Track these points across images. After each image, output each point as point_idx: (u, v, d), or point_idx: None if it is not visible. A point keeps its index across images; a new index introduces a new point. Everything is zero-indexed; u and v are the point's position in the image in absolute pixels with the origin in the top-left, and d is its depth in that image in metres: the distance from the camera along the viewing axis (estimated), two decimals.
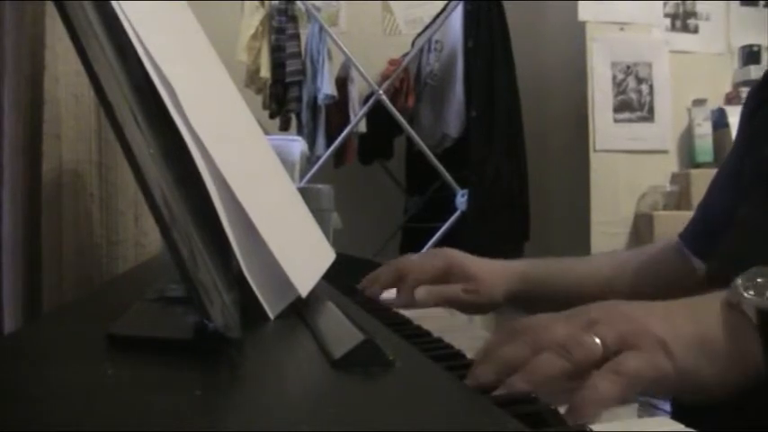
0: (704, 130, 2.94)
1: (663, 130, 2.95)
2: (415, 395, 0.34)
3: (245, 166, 0.53)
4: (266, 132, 2.28)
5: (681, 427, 0.35)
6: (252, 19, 2.92)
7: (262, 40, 2.93)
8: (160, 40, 0.43)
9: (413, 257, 0.83)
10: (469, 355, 0.48)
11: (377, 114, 2.93)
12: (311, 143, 2.95)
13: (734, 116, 2.78)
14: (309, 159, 2.86)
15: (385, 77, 3.02)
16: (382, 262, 0.85)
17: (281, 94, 3.00)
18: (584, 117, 2.90)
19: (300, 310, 0.49)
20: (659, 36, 2.97)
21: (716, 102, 2.99)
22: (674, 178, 2.91)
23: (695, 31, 3.02)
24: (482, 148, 2.80)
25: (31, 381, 0.32)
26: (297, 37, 2.99)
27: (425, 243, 2.74)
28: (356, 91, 3.09)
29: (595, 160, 2.88)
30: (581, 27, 2.89)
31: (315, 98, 2.96)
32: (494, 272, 0.81)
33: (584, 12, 2.88)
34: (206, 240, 0.40)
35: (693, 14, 3.02)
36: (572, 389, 0.39)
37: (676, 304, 0.47)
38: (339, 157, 3.11)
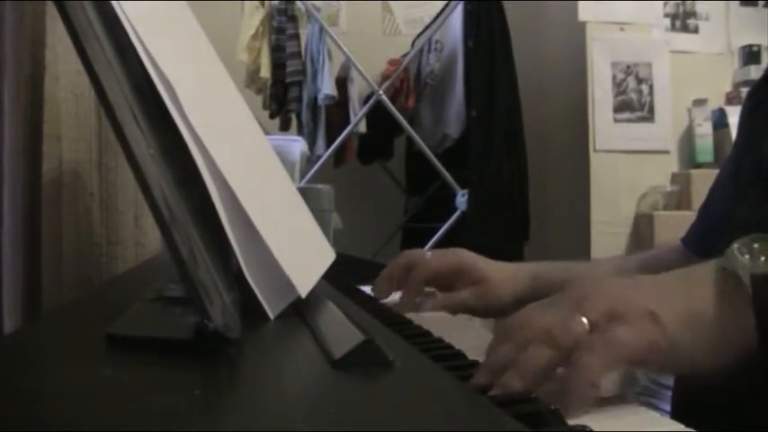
0: (704, 130, 2.94)
1: (663, 131, 2.95)
2: (415, 395, 0.34)
3: (246, 166, 0.53)
4: (266, 132, 2.28)
5: (681, 427, 0.35)
6: (252, 19, 2.92)
7: (262, 41, 2.94)
8: (160, 40, 0.43)
9: (423, 253, 0.82)
10: (470, 356, 0.48)
11: (377, 114, 2.93)
12: (311, 143, 2.95)
13: (734, 116, 2.77)
14: (309, 159, 2.86)
15: (385, 77, 3.02)
16: (382, 262, 0.85)
17: (282, 94, 3.00)
18: (584, 117, 2.90)
19: (300, 310, 0.49)
20: (659, 36, 2.97)
21: (716, 102, 2.99)
22: (675, 178, 2.91)
23: (695, 31, 3.02)
24: (482, 148, 2.80)
25: (31, 381, 0.32)
26: (297, 37, 2.99)
27: (425, 243, 2.74)
28: (356, 91, 3.09)
29: (595, 160, 2.88)
30: (581, 27, 2.89)
31: (315, 98, 2.96)
32: (504, 274, 0.80)
33: (585, 12, 2.88)
34: (206, 240, 0.40)
35: (693, 14, 3.02)
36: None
37: (666, 276, 0.46)
38: (339, 157, 3.11)
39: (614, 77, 2.92)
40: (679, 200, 2.82)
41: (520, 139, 2.91)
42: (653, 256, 0.84)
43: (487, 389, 0.39)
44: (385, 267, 0.81)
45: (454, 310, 0.77)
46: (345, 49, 2.89)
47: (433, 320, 0.62)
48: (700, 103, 2.98)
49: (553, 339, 0.40)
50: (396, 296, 0.80)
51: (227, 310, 0.39)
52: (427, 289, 0.81)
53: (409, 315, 0.66)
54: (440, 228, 2.77)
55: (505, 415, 0.31)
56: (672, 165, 2.97)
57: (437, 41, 3.10)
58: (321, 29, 2.94)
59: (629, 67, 2.93)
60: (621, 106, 2.92)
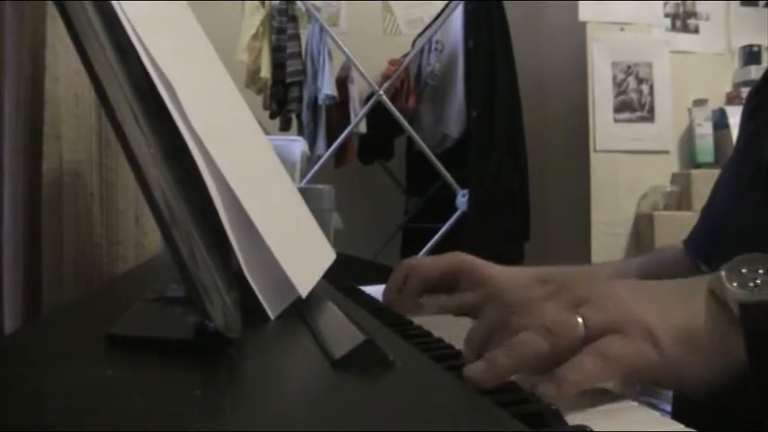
0: (705, 130, 2.94)
1: (663, 131, 2.95)
2: (415, 395, 0.34)
3: (246, 166, 0.53)
4: (267, 132, 2.28)
5: (681, 427, 0.35)
6: (252, 19, 2.92)
7: (262, 41, 2.94)
8: (160, 40, 0.43)
9: (420, 259, 0.81)
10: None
11: (377, 114, 2.93)
12: (311, 143, 2.95)
13: (734, 116, 2.78)
14: (310, 159, 2.86)
15: (385, 78, 3.02)
16: (382, 262, 0.84)
17: (282, 94, 3.00)
18: (584, 117, 2.90)
19: (300, 310, 0.49)
20: (659, 36, 2.97)
21: (716, 102, 2.99)
22: (675, 178, 2.91)
23: (695, 31, 3.02)
24: (482, 149, 2.80)
25: (31, 381, 0.32)
26: (297, 37, 2.99)
27: (426, 243, 2.74)
28: (356, 91, 3.09)
29: (596, 160, 2.88)
30: (581, 27, 2.89)
31: (315, 98, 2.96)
32: (506, 277, 0.80)
33: (585, 12, 2.88)
34: (206, 240, 0.40)
35: (693, 14, 3.02)
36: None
37: (670, 287, 0.47)
38: (339, 157, 3.11)
39: (614, 77, 2.92)
40: (679, 200, 2.82)
41: (520, 140, 2.91)
42: (656, 259, 0.84)
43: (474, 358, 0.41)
44: (385, 269, 0.81)
45: (458, 311, 0.77)
46: (346, 49, 2.89)
47: (434, 321, 0.62)
48: (700, 103, 2.98)
49: (549, 332, 0.41)
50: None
51: (227, 310, 0.39)
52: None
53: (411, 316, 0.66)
54: (440, 228, 2.77)
55: (506, 415, 0.31)
56: (672, 165, 2.97)
57: (437, 41, 3.11)
58: (321, 29, 2.94)
59: (629, 67, 2.93)
60: (621, 106, 2.92)
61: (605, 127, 2.90)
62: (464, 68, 2.90)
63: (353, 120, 2.95)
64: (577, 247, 2.88)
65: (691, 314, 0.43)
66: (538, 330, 0.41)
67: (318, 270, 0.60)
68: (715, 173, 0.82)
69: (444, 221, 2.77)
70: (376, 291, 0.80)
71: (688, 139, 2.98)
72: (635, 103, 2.93)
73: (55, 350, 0.39)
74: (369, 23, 3.66)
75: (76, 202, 0.72)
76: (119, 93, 0.36)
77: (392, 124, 2.89)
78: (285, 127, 3.11)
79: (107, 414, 0.28)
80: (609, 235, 2.84)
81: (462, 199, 2.74)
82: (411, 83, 3.14)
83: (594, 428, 0.33)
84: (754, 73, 2.89)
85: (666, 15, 3.00)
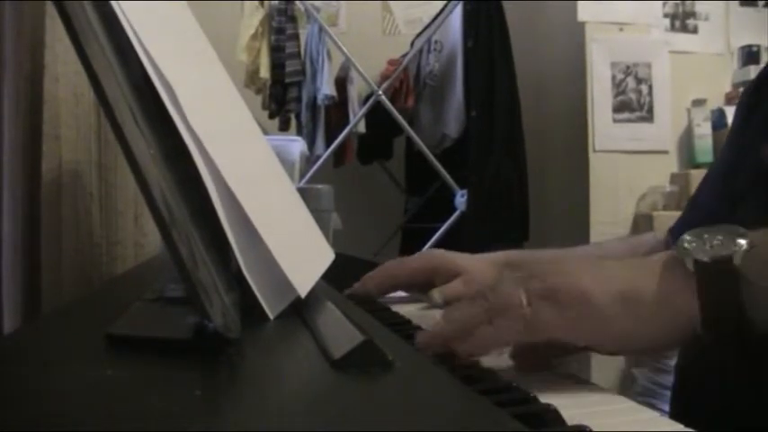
0: (704, 130, 2.94)
1: (662, 131, 2.95)
2: (415, 395, 0.34)
3: (245, 166, 0.53)
4: (266, 132, 2.29)
5: (681, 427, 0.35)
6: (252, 19, 2.92)
7: (261, 41, 2.94)
8: (160, 40, 0.43)
9: (399, 260, 0.83)
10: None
11: (376, 114, 2.93)
12: (311, 143, 2.95)
13: None
14: (309, 159, 2.86)
15: (384, 78, 3.02)
16: (382, 262, 0.85)
17: (281, 94, 3.00)
18: (583, 117, 2.90)
19: (300, 310, 0.49)
20: (659, 36, 2.97)
21: (715, 102, 2.99)
22: (674, 178, 2.91)
23: (695, 31, 3.02)
24: (482, 149, 2.80)
25: (31, 381, 0.32)
26: (296, 37, 2.99)
27: (425, 243, 2.74)
28: (356, 91, 3.09)
29: (595, 160, 2.88)
30: (581, 27, 2.89)
31: (314, 98, 2.96)
32: (479, 264, 0.81)
33: (584, 12, 2.88)
34: (206, 240, 0.40)
35: (693, 14, 3.02)
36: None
37: (618, 262, 0.51)
38: (339, 157, 3.11)
39: (614, 77, 2.92)
40: (678, 200, 2.82)
41: (519, 140, 2.91)
42: (635, 241, 0.85)
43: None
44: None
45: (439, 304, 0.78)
46: (345, 49, 2.89)
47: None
48: (699, 103, 2.98)
49: (487, 301, 0.46)
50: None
51: (226, 310, 0.39)
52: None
53: (409, 315, 0.66)
54: (439, 228, 2.77)
55: (506, 415, 0.31)
56: (671, 165, 2.97)
57: (436, 41, 3.11)
58: (321, 29, 2.94)
59: (628, 67, 2.93)
60: (621, 106, 2.92)
61: (604, 127, 2.90)
62: (463, 68, 2.90)
63: (352, 120, 2.95)
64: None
65: (633, 280, 0.46)
66: (479, 299, 0.47)
67: (318, 270, 0.60)
68: None
69: (443, 221, 2.77)
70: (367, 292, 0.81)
71: (687, 139, 2.98)
72: (634, 103, 2.93)
73: (55, 350, 0.39)
74: (368, 23, 3.66)
75: (76, 202, 0.72)
76: (118, 93, 0.36)
77: (391, 124, 2.89)
78: (284, 127, 3.11)
79: (107, 414, 0.28)
80: (608, 235, 2.83)
81: (461, 199, 2.74)
82: (410, 83, 3.14)
83: (594, 428, 0.33)
84: (754, 73, 2.88)
85: (665, 15, 2.99)
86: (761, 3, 3.08)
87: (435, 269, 0.80)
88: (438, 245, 2.72)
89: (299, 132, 3.02)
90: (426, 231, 2.83)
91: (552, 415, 0.34)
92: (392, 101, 2.91)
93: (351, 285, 0.80)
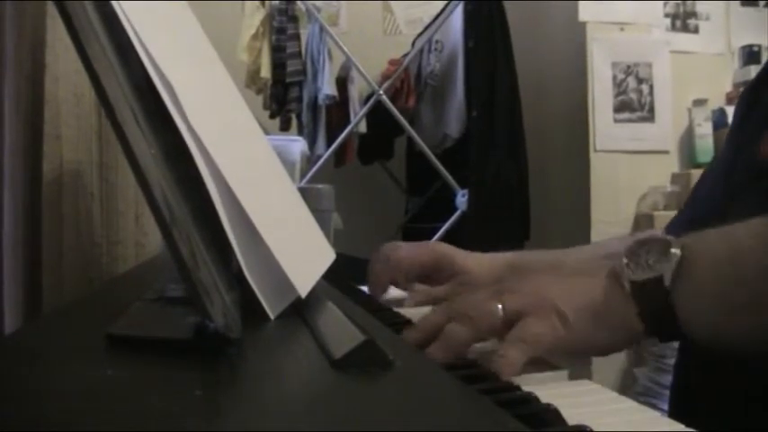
0: (705, 130, 2.94)
1: (663, 131, 2.95)
2: (415, 395, 0.34)
3: (246, 166, 0.53)
4: (266, 132, 2.29)
5: (681, 427, 0.35)
6: (252, 19, 2.92)
7: (262, 41, 2.94)
8: (160, 40, 0.43)
9: (401, 248, 0.83)
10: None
11: (377, 114, 2.93)
12: (311, 143, 2.95)
13: None
14: (309, 159, 2.86)
15: (385, 77, 3.02)
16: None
17: (282, 94, 3.00)
18: (584, 117, 2.90)
19: (300, 310, 0.49)
20: (659, 36, 2.96)
21: (716, 102, 2.99)
22: (675, 178, 2.91)
23: (695, 31, 3.02)
24: (482, 148, 2.79)
25: (31, 381, 0.32)
26: (297, 37, 2.99)
27: None
28: (356, 91, 3.09)
29: (595, 160, 2.88)
30: (581, 27, 2.89)
31: (315, 98, 2.96)
32: (482, 264, 0.81)
33: (585, 12, 2.88)
34: (206, 240, 0.40)
35: (693, 14, 3.02)
36: (484, 350, 0.49)
37: (579, 277, 0.54)
38: (339, 157, 3.11)
39: (614, 77, 2.91)
40: (679, 200, 2.81)
41: (520, 139, 2.91)
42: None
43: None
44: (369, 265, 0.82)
45: (434, 304, 0.77)
46: (345, 49, 2.89)
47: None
48: (700, 103, 2.98)
49: (471, 321, 0.49)
50: (392, 291, 0.80)
51: (227, 309, 0.39)
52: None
53: (409, 315, 0.66)
54: (440, 228, 2.77)
55: (506, 415, 0.31)
56: (672, 165, 2.96)
57: (437, 41, 3.10)
58: (321, 29, 2.94)
59: (629, 67, 2.92)
60: (621, 106, 2.92)
61: (605, 127, 2.90)
62: (464, 68, 2.90)
63: (353, 120, 2.95)
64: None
65: (592, 294, 0.50)
66: (462, 320, 0.49)
67: (318, 270, 0.60)
68: None
69: (444, 221, 2.77)
70: (377, 291, 0.81)
71: (688, 138, 2.98)
72: (635, 103, 2.93)
73: (55, 350, 0.39)
74: (369, 23, 3.66)
75: (77, 201, 0.72)
76: (119, 93, 0.36)
77: (392, 124, 2.89)
78: (285, 127, 3.10)
79: (107, 414, 0.28)
80: (609, 235, 2.82)
81: (462, 199, 2.74)
82: (411, 83, 3.14)
83: (594, 428, 0.33)
84: (754, 73, 2.86)
85: (666, 15, 2.99)
86: (761, 3, 3.08)
87: (437, 266, 0.80)
88: None
89: (300, 132, 3.02)
90: (427, 231, 2.83)
91: (552, 415, 0.34)
92: (393, 101, 2.91)
93: (350, 285, 0.80)
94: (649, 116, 2.94)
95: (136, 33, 0.40)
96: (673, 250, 0.49)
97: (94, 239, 0.76)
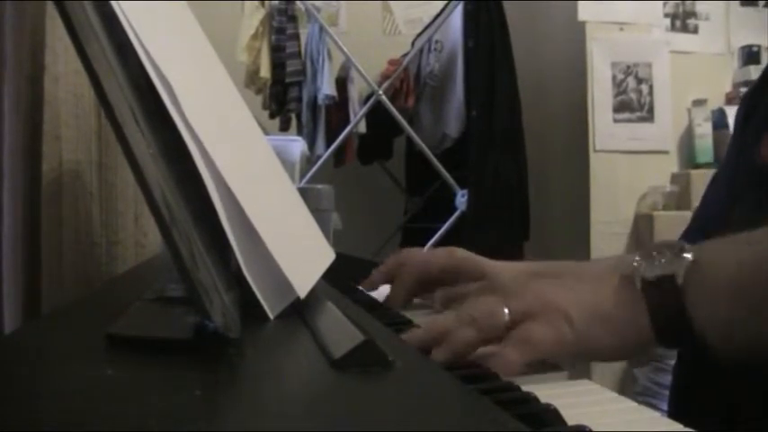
0: (704, 130, 2.94)
1: (663, 131, 2.95)
2: (415, 395, 0.34)
3: (245, 166, 0.53)
4: (266, 132, 2.29)
5: (680, 427, 0.35)
6: (252, 19, 2.92)
7: (262, 41, 2.94)
8: (160, 41, 0.43)
9: (419, 251, 0.81)
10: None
11: (377, 114, 2.93)
12: (311, 143, 2.95)
13: (734, 116, 2.76)
14: (309, 159, 2.86)
15: (385, 77, 3.02)
16: (382, 262, 0.84)
17: (281, 94, 3.00)
18: (584, 117, 2.90)
19: (300, 310, 0.49)
20: (659, 36, 2.97)
21: (716, 102, 2.99)
22: (675, 178, 2.91)
23: (695, 31, 3.02)
24: (482, 148, 2.80)
25: (31, 381, 0.32)
26: (297, 37, 2.99)
27: (425, 243, 2.74)
28: (356, 91, 3.09)
29: (595, 160, 2.88)
30: (581, 27, 2.89)
31: (315, 98, 2.96)
32: (506, 271, 0.79)
33: (584, 12, 2.88)
34: (206, 240, 0.40)
35: (693, 14, 3.02)
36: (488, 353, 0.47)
37: (585, 277, 0.54)
38: (339, 157, 3.11)
39: (614, 77, 2.92)
40: (679, 200, 2.82)
41: (520, 139, 2.91)
42: None
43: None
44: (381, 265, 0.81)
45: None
46: (345, 49, 2.89)
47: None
48: (699, 103, 2.98)
49: (477, 323, 0.48)
50: (384, 289, 0.79)
51: (226, 310, 0.39)
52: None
53: (409, 315, 0.66)
54: (440, 228, 2.77)
55: (506, 415, 0.31)
56: (672, 165, 2.97)
57: (437, 41, 3.11)
58: (321, 29, 2.94)
59: (628, 67, 2.93)
60: (621, 106, 2.92)
61: (605, 127, 2.90)
62: (463, 68, 2.90)
63: (353, 120, 2.95)
64: (577, 246, 2.88)
65: (599, 295, 0.50)
66: (468, 322, 0.48)
67: (318, 270, 0.60)
68: (714, 173, 0.82)
69: (444, 221, 2.77)
70: (378, 292, 0.80)
71: (687, 139, 2.98)
72: (634, 103, 2.93)
73: (55, 350, 0.39)
74: (368, 23, 3.66)
75: (76, 202, 0.72)
76: (118, 93, 0.36)
77: (392, 124, 2.89)
78: (285, 127, 3.10)
79: (107, 414, 0.28)
80: (608, 235, 2.84)
81: (462, 199, 2.74)
82: (410, 83, 3.14)
83: (594, 428, 0.33)
84: (754, 73, 2.89)
85: (666, 15, 2.99)
86: (761, 3, 3.08)
87: (457, 270, 0.77)
88: (438, 245, 2.72)
89: (300, 132, 3.02)
90: (427, 231, 2.83)
91: (552, 415, 0.34)
92: (392, 101, 2.91)
93: (350, 285, 0.79)
94: (649, 116, 2.94)
95: (135, 33, 0.40)
96: (686, 254, 0.48)
97: (94, 239, 0.76)
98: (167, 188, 0.37)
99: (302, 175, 2.62)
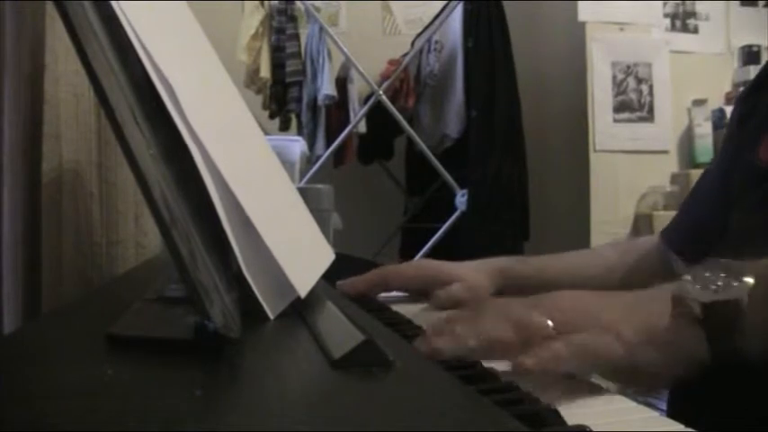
0: (704, 130, 2.94)
1: (663, 131, 2.95)
2: (415, 395, 0.34)
3: (245, 166, 0.53)
4: (266, 132, 2.28)
5: (680, 427, 0.35)
6: (252, 19, 2.92)
7: (262, 41, 2.94)
8: (160, 40, 0.43)
9: (393, 266, 0.82)
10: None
11: (377, 114, 2.93)
12: (311, 143, 2.95)
13: None
14: (309, 159, 2.86)
15: (385, 77, 3.02)
16: (382, 262, 0.84)
17: (281, 94, 3.00)
18: (584, 117, 2.90)
19: (300, 310, 0.49)
20: (659, 36, 2.97)
21: (716, 102, 2.99)
22: (674, 178, 2.91)
23: (695, 31, 3.02)
24: (482, 148, 2.80)
25: (31, 381, 0.32)
26: (297, 37, 2.99)
27: (425, 243, 2.74)
28: (356, 91, 3.09)
29: (595, 160, 2.88)
30: (581, 27, 2.89)
31: (315, 98, 2.96)
32: (477, 271, 0.81)
33: (584, 12, 2.88)
34: (206, 240, 0.40)
35: (693, 14, 3.02)
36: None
37: (629, 296, 0.50)
38: (339, 157, 3.11)
39: (614, 77, 2.92)
40: (679, 200, 2.82)
41: (520, 139, 2.91)
42: (637, 266, 0.84)
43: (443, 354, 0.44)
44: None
45: (444, 306, 0.77)
46: (345, 49, 2.89)
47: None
48: (699, 103, 2.98)
49: (517, 327, 0.45)
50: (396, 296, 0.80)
51: (226, 310, 0.39)
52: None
53: (409, 315, 0.66)
54: (439, 228, 2.77)
55: (506, 415, 0.31)
56: (671, 165, 2.97)
57: (437, 41, 3.11)
58: (321, 29, 2.94)
59: (628, 67, 2.93)
60: (621, 106, 2.92)
61: (605, 127, 2.90)
62: (463, 68, 2.90)
63: (353, 120, 2.95)
64: (577, 246, 2.85)
65: (651, 316, 0.46)
66: (507, 323, 0.46)
67: (318, 270, 0.60)
68: None
69: (444, 221, 2.77)
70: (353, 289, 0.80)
71: (687, 139, 2.98)
72: (634, 103, 2.93)
73: (55, 350, 0.39)
74: (368, 23, 3.66)
75: (76, 201, 0.72)
76: (118, 93, 0.36)
77: (392, 124, 2.89)
78: (284, 127, 3.10)
79: (107, 414, 0.28)
80: (608, 235, 2.84)
81: (462, 199, 2.74)
82: (410, 83, 3.14)
83: (594, 428, 0.33)
84: (754, 73, 2.87)
85: (666, 15, 2.99)
86: (761, 3, 3.08)
87: (433, 278, 0.79)
88: (438, 245, 2.72)
89: (300, 132, 3.02)
90: (426, 231, 2.83)
91: (552, 415, 0.34)
92: (392, 101, 2.91)
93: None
94: (649, 116, 2.94)
95: (135, 33, 0.40)
96: (747, 278, 0.46)
97: (94, 239, 0.76)
98: (167, 188, 0.37)
99: (302, 175, 2.62)
